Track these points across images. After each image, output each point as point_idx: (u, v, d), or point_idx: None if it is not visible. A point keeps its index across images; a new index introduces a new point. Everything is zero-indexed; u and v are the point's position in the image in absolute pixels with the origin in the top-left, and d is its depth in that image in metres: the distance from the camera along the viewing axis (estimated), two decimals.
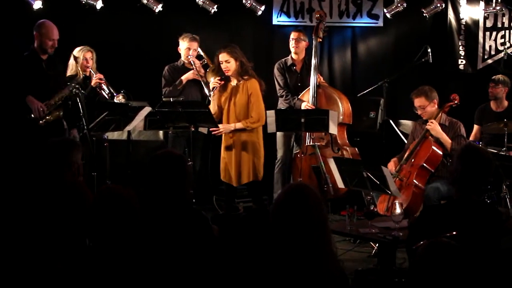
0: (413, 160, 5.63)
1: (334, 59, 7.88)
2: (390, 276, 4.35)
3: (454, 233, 3.11)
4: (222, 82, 5.97)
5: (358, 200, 5.04)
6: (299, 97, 6.64)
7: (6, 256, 3.19)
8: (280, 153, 6.75)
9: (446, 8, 7.61)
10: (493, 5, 7.38)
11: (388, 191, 4.60)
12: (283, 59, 6.87)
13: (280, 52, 7.24)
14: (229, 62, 5.87)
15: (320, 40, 6.73)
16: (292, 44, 6.77)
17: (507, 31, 7.61)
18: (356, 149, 6.57)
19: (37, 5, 6.82)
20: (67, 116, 5.80)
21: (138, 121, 5.78)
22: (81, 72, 6.25)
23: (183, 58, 6.53)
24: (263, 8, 7.45)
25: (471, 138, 6.64)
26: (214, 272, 3.11)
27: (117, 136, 6.29)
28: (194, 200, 5.61)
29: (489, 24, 7.64)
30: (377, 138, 6.91)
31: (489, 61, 7.66)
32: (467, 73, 7.74)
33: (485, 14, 7.60)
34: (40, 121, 5.51)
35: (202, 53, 6.62)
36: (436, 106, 5.73)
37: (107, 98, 6.23)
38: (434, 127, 5.61)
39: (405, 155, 5.71)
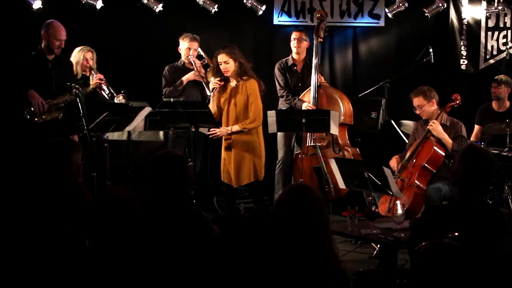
0: (414, 160, 5.62)
1: (335, 59, 7.86)
2: (391, 277, 4.34)
3: (456, 234, 3.09)
4: (222, 83, 5.95)
5: (359, 201, 5.03)
6: (299, 97, 6.63)
7: (6, 256, 3.18)
8: (281, 153, 6.74)
9: (448, 8, 7.60)
10: (495, 5, 7.40)
11: (389, 192, 4.60)
12: (283, 59, 6.85)
13: (281, 52, 7.23)
14: (228, 63, 5.85)
15: (321, 40, 6.71)
16: (294, 44, 6.75)
17: (509, 31, 7.60)
18: (358, 149, 6.56)
19: (37, 4, 6.80)
20: (68, 121, 5.77)
21: (138, 121, 5.77)
22: (80, 72, 6.26)
23: (183, 58, 6.51)
24: (264, 7, 7.44)
25: (471, 139, 6.63)
26: (215, 273, 3.10)
27: (117, 137, 6.27)
28: (194, 201, 5.60)
29: (491, 24, 7.63)
30: (378, 139, 6.90)
31: (491, 61, 7.65)
32: (469, 73, 7.73)
33: (487, 14, 7.60)
34: (36, 118, 5.49)
35: (202, 53, 6.61)
36: (436, 106, 5.72)
37: (107, 99, 6.21)
38: (435, 127, 5.60)
39: (407, 156, 5.70)
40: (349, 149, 6.49)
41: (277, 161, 6.74)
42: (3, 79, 5.92)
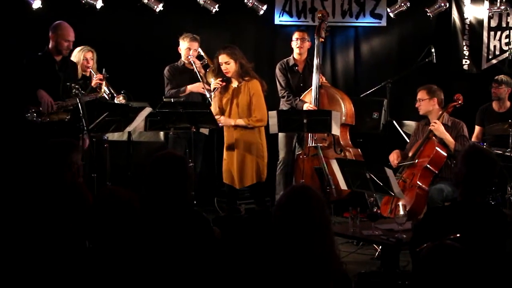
0: (416, 161, 5.60)
1: (336, 59, 7.85)
2: (393, 278, 4.32)
3: (458, 235, 3.08)
4: (224, 84, 5.94)
5: (361, 202, 5.04)
6: (301, 97, 6.61)
7: (5, 256, 3.18)
8: (282, 154, 6.73)
9: (450, 7, 7.58)
10: (498, 4, 7.37)
11: (391, 193, 4.58)
12: (285, 59, 6.83)
13: (282, 52, 7.22)
14: (228, 64, 5.84)
15: (322, 40, 6.70)
16: (296, 44, 6.73)
17: (511, 31, 7.57)
18: (359, 150, 6.55)
19: (37, 4, 6.80)
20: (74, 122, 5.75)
21: (138, 121, 5.76)
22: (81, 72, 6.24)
23: (183, 58, 6.50)
24: (265, 7, 7.41)
25: (473, 139, 6.60)
26: (215, 274, 3.09)
27: (118, 137, 6.27)
28: (195, 202, 5.59)
29: (493, 23, 7.61)
30: (380, 139, 6.88)
31: (494, 61, 7.63)
32: (471, 73, 7.71)
33: (490, 14, 7.58)
34: (41, 118, 5.47)
35: (202, 53, 6.60)
36: (437, 106, 5.71)
37: (107, 99, 6.20)
38: (437, 127, 5.59)
39: (409, 156, 5.68)
40: (350, 150, 6.47)
41: (278, 162, 6.72)
42: (7, 78, 5.92)
